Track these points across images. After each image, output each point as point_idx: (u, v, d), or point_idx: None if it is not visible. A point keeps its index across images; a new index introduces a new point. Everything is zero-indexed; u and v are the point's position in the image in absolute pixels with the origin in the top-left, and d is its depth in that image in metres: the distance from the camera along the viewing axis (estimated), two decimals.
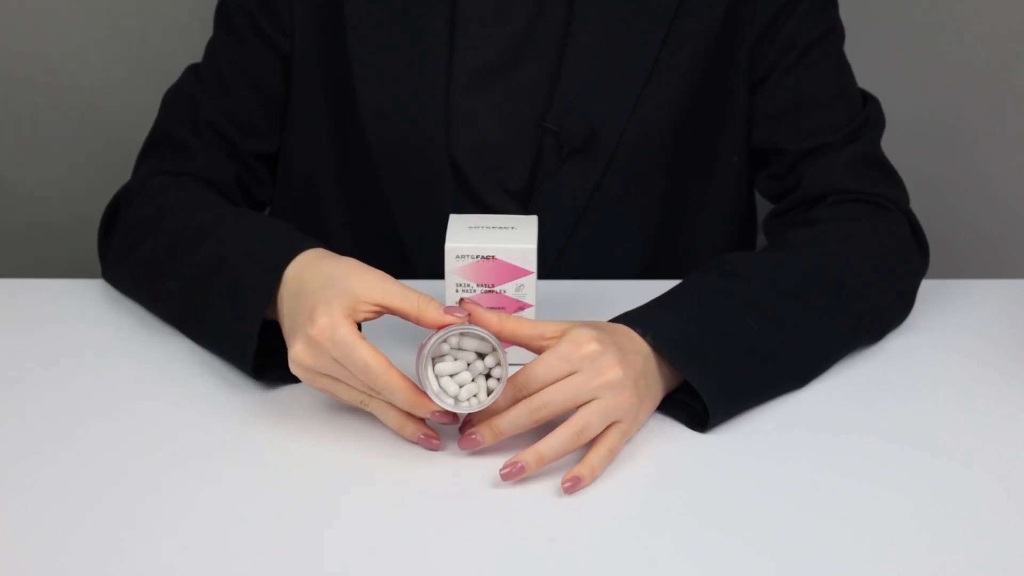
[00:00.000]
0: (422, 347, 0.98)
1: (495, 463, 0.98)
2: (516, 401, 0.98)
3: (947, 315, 1.22)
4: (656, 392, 1.04)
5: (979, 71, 1.84)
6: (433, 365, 0.97)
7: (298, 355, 0.99)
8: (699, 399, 1.02)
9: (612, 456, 0.98)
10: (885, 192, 1.26)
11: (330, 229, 1.34)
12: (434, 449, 1.00)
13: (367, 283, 0.99)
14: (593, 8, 1.25)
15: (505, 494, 0.96)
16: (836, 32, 1.31)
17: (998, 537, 0.92)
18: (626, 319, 1.05)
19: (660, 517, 0.93)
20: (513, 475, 0.96)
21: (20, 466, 0.98)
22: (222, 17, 1.33)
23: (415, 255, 1.32)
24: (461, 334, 0.97)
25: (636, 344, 1.02)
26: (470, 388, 0.97)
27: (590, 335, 0.98)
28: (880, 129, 1.31)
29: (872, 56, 1.48)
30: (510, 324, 0.99)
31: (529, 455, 0.96)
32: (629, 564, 0.89)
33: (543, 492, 0.96)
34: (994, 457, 1.01)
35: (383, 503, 0.94)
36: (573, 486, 0.95)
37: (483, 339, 0.97)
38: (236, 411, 1.05)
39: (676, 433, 1.03)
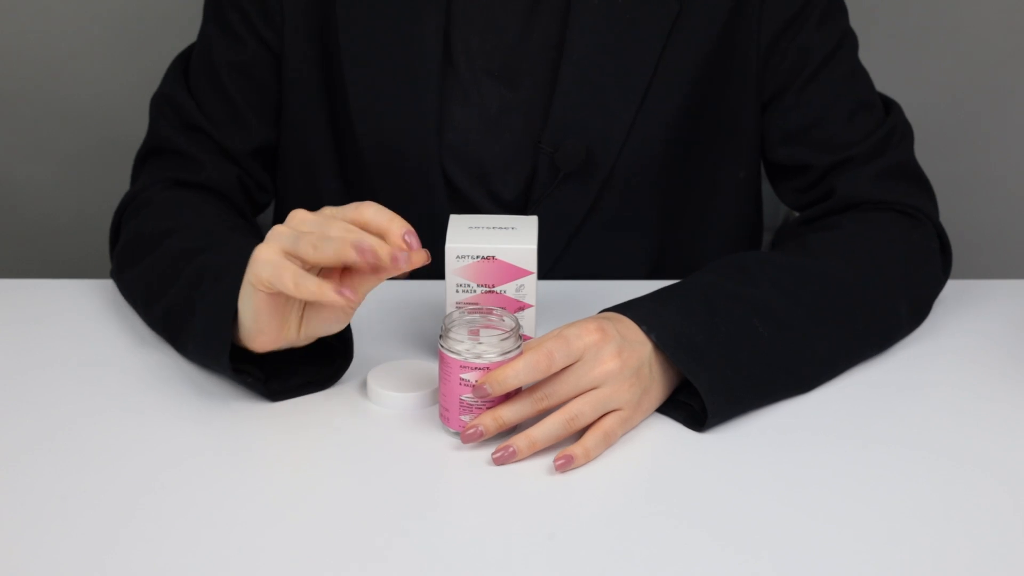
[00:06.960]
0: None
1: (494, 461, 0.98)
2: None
3: (947, 315, 1.22)
4: (661, 383, 1.04)
5: (979, 71, 1.84)
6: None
7: (257, 256, 0.96)
8: (698, 398, 1.02)
9: (608, 440, 0.99)
10: (916, 203, 1.24)
11: None
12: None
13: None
14: (587, 26, 1.23)
15: (505, 493, 0.96)
16: (849, 40, 1.28)
17: (1000, 537, 0.92)
18: (632, 314, 1.04)
19: (661, 517, 0.93)
20: (505, 459, 0.97)
21: (18, 466, 0.98)
22: (215, 13, 1.30)
23: None
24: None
25: (640, 336, 1.02)
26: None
27: (593, 325, 1.00)
28: (910, 136, 1.29)
29: (872, 56, 1.48)
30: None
31: (521, 439, 0.98)
32: (629, 564, 0.88)
33: (543, 491, 0.96)
34: (995, 457, 1.01)
35: (381, 502, 0.94)
36: (566, 464, 0.97)
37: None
38: (234, 413, 1.05)
39: (678, 434, 1.03)
